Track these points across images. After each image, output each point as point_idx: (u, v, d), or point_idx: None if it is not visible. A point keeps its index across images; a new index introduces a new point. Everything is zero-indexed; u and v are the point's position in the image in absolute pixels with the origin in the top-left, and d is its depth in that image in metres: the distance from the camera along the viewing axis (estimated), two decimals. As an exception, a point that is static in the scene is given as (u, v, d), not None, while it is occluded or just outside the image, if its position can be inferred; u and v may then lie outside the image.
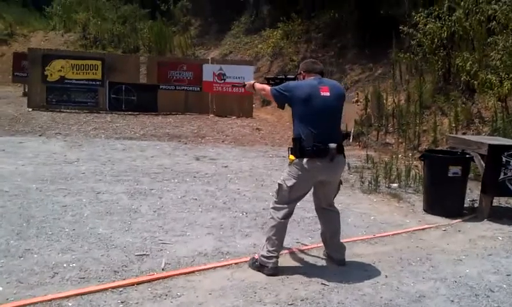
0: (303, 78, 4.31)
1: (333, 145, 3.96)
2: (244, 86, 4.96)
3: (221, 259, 4.33)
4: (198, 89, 14.95)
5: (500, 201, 6.63)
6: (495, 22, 8.93)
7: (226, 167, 8.22)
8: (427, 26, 10.28)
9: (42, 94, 14.65)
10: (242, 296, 3.64)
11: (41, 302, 3.41)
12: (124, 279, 3.82)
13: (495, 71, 8.79)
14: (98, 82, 14.93)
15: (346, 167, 8.13)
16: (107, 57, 15.84)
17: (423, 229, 5.50)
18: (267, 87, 4.47)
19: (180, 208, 5.79)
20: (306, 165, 3.98)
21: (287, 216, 4.14)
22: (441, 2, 10.53)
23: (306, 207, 5.44)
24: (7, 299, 3.42)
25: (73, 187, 6.42)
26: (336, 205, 6.14)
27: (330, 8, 16.86)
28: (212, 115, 14.55)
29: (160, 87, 14.99)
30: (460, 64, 9.45)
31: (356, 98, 12.22)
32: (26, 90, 16.30)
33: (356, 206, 6.28)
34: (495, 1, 9.04)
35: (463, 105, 9.69)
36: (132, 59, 16.51)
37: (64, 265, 4.03)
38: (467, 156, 6.12)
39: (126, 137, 10.82)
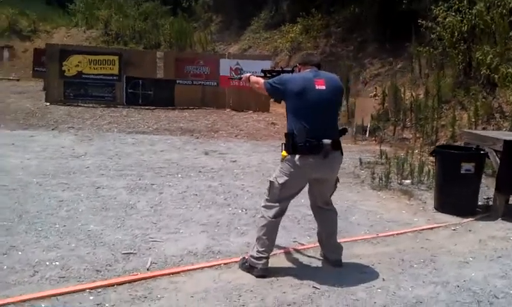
0: (299, 71, 4.09)
1: (327, 141, 3.72)
2: (240, 78, 4.75)
3: (210, 259, 4.14)
4: (215, 83, 14.78)
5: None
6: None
7: (234, 162, 8.03)
8: (447, 19, 9.91)
9: (60, 89, 14.66)
10: (225, 300, 3.44)
11: (14, 302, 3.28)
12: (105, 279, 3.67)
13: (516, 65, 8.41)
14: (115, 77, 14.88)
15: (358, 163, 7.96)
16: (124, 53, 15.80)
17: (431, 228, 5.21)
18: (261, 81, 4.24)
19: (179, 204, 5.62)
20: (298, 162, 3.76)
21: (279, 215, 3.92)
22: (461, -5, 10.16)
23: (309, 204, 5.18)
24: (-21, 299, 3.30)
25: (74, 182, 6.31)
26: (342, 202, 6.00)
27: (350, 3, 16.51)
28: (228, 109, 14.37)
29: (177, 82, 14.87)
30: (480, 58, 9.06)
31: (374, 93, 11.90)
32: (46, 85, 16.38)
33: (363, 203, 6.02)
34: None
35: (484, 100, 9.29)
36: (149, 54, 16.41)
37: (47, 263, 3.89)
38: (481, 152, 5.79)
39: (138, 132, 10.72)
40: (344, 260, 4.14)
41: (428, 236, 4.99)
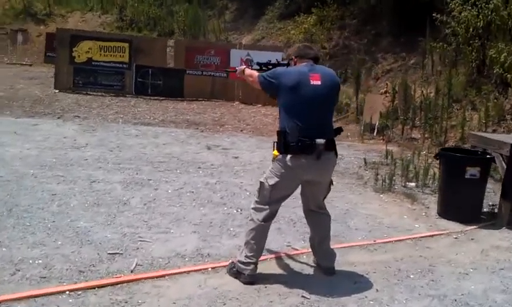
0: (295, 65, 3.89)
1: (320, 141, 3.54)
2: (235, 71, 4.57)
3: (198, 262, 4.01)
4: (225, 75, 14.60)
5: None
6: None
7: (236, 158, 7.88)
8: (462, 14, 9.61)
9: (69, 76, 14.58)
10: (207, 308, 3.31)
11: (-11, 303, 3.18)
12: (87, 281, 3.56)
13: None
14: (125, 65, 14.77)
15: (362, 163, 7.76)
16: (135, 40, 15.65)
17: (432, 235, 5.03)
18: (255, 74, 4.04)
19: (173, 201, 5.50)
20: (289, 163, 3.59)
21: (268, 218, 3.75)
22: (478, -11, 9.86)
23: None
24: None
25: (70, 174, 6.21)
26: (342, 204, 5.85)
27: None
28: (237, 102, 14.21)
29: (187, 72, 14.72)
30: (494, 55, 8.77)
31: (385, 89, 11.65)
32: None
33: (363, 207, 5.84)
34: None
35: (495, 100, 9.02)
36: (159, 42, 16.23)
37: (30, 262, 3.79)
38: (487, 156, 5.58)
39: (144, 123, 10.61)
40: (337, 268, 3.99)
41: (428, 244, 4.81)
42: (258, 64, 4.44)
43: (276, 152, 3.75)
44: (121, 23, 24.93)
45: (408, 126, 10.16)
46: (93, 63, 14.70)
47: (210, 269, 3.88)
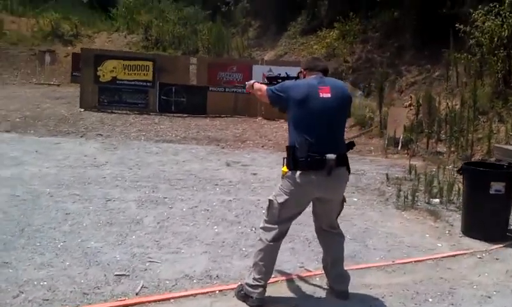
0: (304, 77, 3.76)
1: (331, 156, 3.38)
2: (244, 86, 4.46)
3: (206, 285, 3.88)
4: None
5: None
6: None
7: (254, 174, 7.76)
8: (486, 24, 9.35)
9: (94, 95, 14.77)
10: (211, 333, 3.18)
11: (-12, 327, 3.12)
12: (90, 304, 3.47)
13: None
14: (148, 83, 14.90)
15: (384, 179, 7.55)
16: (158, 58, 15.79)
17: (454, 255, 4.79)
18: (264, 88, 3.92)
19: (187, 220, 5.40)
20: (298, 179, 3.44)
21: (278, 238, 3.60)
22: (503, -1, 9.59)
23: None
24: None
25: (86, 193, 6.19)
26: (361, 222, 5.66)
27: (390, 6, 16.01)
28: (260, 118, 14.11)
29: (210, 89, 14.76)
30: (520, 65, 8.50)
31: (410, 102, 11.41)
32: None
33: (383, 225, 5.63)
34: None
35: (523, 112, 8.72)
36: (182, 60, 16.36)
37: (35, 283, 3.73)
38: (514, 171, 5.33)
39: (165, 140, 10.60)
40: (351, 290, 3.80)
41: (450, 264, 4.58)
42: (267, 78, 4.34)
43: (285, 168, 3.63)
44: (146, 43, 25.27)
45: (432, 139, 9.88)
46: (117, 82, 14.86)
47: (217, 292, 3.75)
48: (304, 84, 3.60)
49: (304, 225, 4.77)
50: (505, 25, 9.14)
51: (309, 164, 3.40)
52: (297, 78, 3.90)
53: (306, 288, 3.95)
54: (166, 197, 6.18)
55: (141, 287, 3.76)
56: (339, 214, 3.81)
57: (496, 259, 4.76)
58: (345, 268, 3.96)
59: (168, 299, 3.59)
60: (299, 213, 3.67)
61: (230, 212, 5.77)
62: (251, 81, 4.20)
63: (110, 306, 3.45)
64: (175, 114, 14.36)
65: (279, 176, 7.61)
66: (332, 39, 16.70)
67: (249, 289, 3.55)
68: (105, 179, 6.96)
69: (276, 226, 3.57)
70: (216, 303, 3.59)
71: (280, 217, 3.56)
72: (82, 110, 14.35)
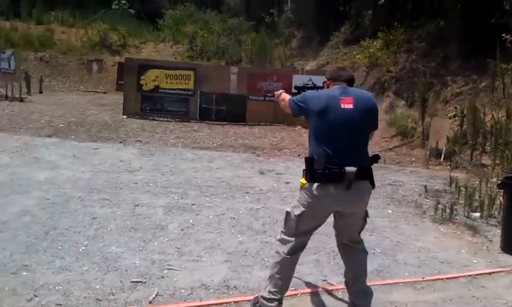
0: (327, 87, 3.61)
1: (350, 169, 3.21)
2: (273, 95, 4.33)
3: (222, 295, 3.76)
4: (286, 100, 14.41)
5: None
6: None
7: (287, 183, 7.59)
8: (533, 33, 8.90)
9: (137, 103, 15.03)
10: (220, 346, 3.05)
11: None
12: (101, 310, 3.40)
13: None
14: (190, 92, 15.08)
15: (423, 191, 7.25)
16: (199, 68, 15.94)
17: (490, 273, 4.49)
18: (287, 98, 3.80)
19: (212, 227, 5.30)
20: (315, 192, 3.28)
21: (295, 251, 3.44)
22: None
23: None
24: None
25: (115, 198, 6.19)
26: (394, 235, 5.42)
27: (436, 16, 15.58)
28: (299, 127, 13.93)
29: (249, 97, 14.78)
30: None
31: (454, 113, 10.99)
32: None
33: (417, 239, 5.36)
34: None
35: None
36: (222, 70, 16.45)
37: (50, 287, 3.71)
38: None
39: (202, 147, 10.58)
40: (374, 308, 3.60)
41: (485, 282, 4.29)
42: (295, 87, 4.20)
43: (303, 180, 3.47)
44: (191, 53, 25.66)
45: (477, 151, 9.45)
46: (159, 90, 15.09)
47: (232, 303, 3.63)
48: (325, 94, 3.46)
49: (330, 236, 4.48)
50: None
51: (327, 176, 3.25)
52: (321, 88, 3.76)
53: (327, 302, 3.78)
54: (194, 204, 6.11)
55: (156, 295, 3.67)
56: (362, 229, 3.59)
57: (537, 278, 4.44)
58: (371, 283, 3.77)
59: (181, 309, 3.49)
60: (318, 227, 3.50)
61: (256, 220, 5.64)
62: (279, 91, 4.07)
63: (121, 313, 3.37)
64: (214, 122, 14.42)
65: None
66: (375, 49, 16.33)
67: (265, 302, 3.40)
68: (137, 184, 6.96)
69: (293, 239, 3.42)
70: (230, 315, 3.46)
71: (298, 230, 3.41)
72: (125, 117, 14.60)
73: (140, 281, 3.89)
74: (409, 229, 5.70)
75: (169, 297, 3.67)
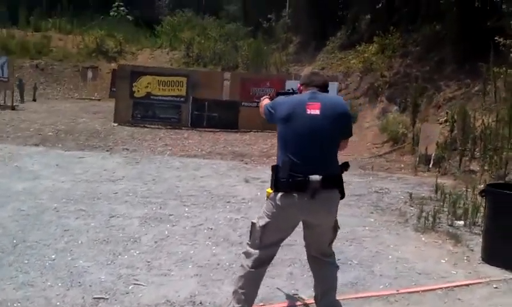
0: (301, 93, 3.49)
1: (315, 177, 3.07)
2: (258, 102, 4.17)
3: (186, 312, 3.64)
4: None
5: None
6: None
7: (271, 192, 7.46)
8: (527, 36, 8.78)
9: (128, 110, 14.93)
10: None
11: None
12: (56, 329, 3.28)
13: None
14: (182, 99, 15.00)
15: (407, 198, 7.12)
16: (192, 74, 15.86)
17: (467, 284, 4.36)
18: (263, 103, 3.68)
19: (187, 239, 5.18)
20: (279, 202, 3.17)
21: (260, 265, 3.31)
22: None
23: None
24: None
25: (92, 209, 6.07)
26: (373, 245, 5.30)
27: (432, 20, 15.47)
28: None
29: (242, 104, 14.69)
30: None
31: (445, 118, 10.87)
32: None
33: (396, 248, 5.23)
34: None
35: None
36: (215, 76, 16.37)
37: (8, 304, 3.58)
38: (541, 194, 4.84)
39: (190, 155, 10.48)
40: (344, 323, 3.47)
41: (461, 294, 4.16)
42: (278, 93, 4.05)
43: (269, 190, 3.35)
44: (187, 59, 25.56)
45: (466, 157, 9.32)
46: (151, 97, 14.99)
47: (196, 320, 3.50)
48: (293, 100, 3.35)
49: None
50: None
51: (290, 185, 3.12)
52: (294, 92, 3.63)
53: (294, 318, 3.64)
54: (171, 215, 5.98)
55: (116, 312, 3.55)
56: (332, 241, 3.45)
57: (515, 290, 4.31)
58: (343, 297, 3.68)
59: (140, 327, 3.36)
60: (283, 238, 3.38)
61: (234, 231, 5.51)
62: (264, 97, 3.92)
63: (76, 331, 3.25)
64: (206, 129, 14.33)
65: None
66: (370, 54, 16.24)
67: (228, 318, 3.28)
68: (117, 194, 6.85)
69: (257, 251, 3.29)
70: (191, 332, 3.33)
71: (262, 242, 3.28)
72: (116, 124, 14.50)
73: (102, 298, 3.76)
74: (390, 238, 5.57)
75: (131, 314, 3.55)
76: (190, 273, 4.33)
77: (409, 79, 14.03)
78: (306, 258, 4.52)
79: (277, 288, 4.08)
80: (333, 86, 13.86)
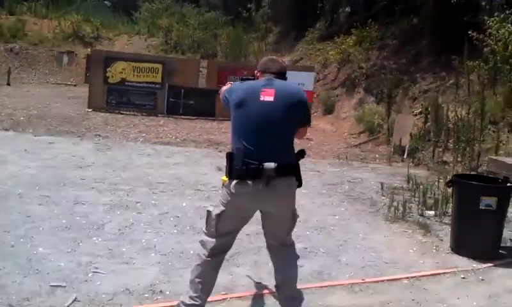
0: (257, 79, 3.41)
1: (269, 165, 2.99)
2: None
3: (145, 301, 3.54)
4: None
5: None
6: None
7: (243, 180, 7.38)
8: (500, 31, 8.82)
9: (103, 96, 14.66)
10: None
11: None
12: (8, 317, 3.16)
13: None
14: (157, 85, 14.76)
15: (379, 188, 7.11)
16: (168, 61, 15.65)
17: (434, 275, 4.34)
18: (222, 91, 3.59)
19: (152, 227, 5.08)
20: (233, 189, 3.08)
21: (216, 254, 3.22)
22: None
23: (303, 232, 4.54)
24: None
25: (57, 195, 5.91)
26: (342, 234, 5.25)
27: (409, 13, 15.53)
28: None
29: (219, 92, 14.47)
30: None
31: (420, 110, 10.91)
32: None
33: (366, 238, 5.21)
34: None
35: (535, 123, 8.15)
36: (192, 63, 16.17)
37: (-40, 293, 3.45)
38: (507, 185, 4.84)
39: (163, 142, 10.33)
40: (307, 312, 3.41)
41: (428, 284, 4.14)
42: (241, 79, 3.93)
43: (224, 178, 3.26)
44: (165, 47, 25.25)
45: (439, 148, 9.37)
46: (126, 83, 14.74)
47: (153, 310, 3.41)
48: (247, 86, 3.26)
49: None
50: (519, 33, 8.64)
51: (245, 173, 3.04)
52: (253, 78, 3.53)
53: (257, 307, 3.57)
54: (138, 202, 5.87)
55: (73, 300, 3.44)
56: (291, 230, 3.38)
57: (482, 280, 4.31)
58: (308, 286, 3.66)
59: (95, 315, 3.27)
60: (240, 227, 3.30)
61: (201, 219, 5.31)
62: (226, 84, 3.80)
63: (28, 320, 3.14)
64: (182, 117, 14.16)
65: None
66: (348, 46, 16.24)
67: (185, 309, 3.19)
68: (84, 181, 6.69)
69: (213, 240, 3.20)
70: (148, 322, 3.25)
71: (218, 231, 3.19)
72: (90, 110, 14.24)
73: (60, 285, 3.65)
74: (359, 227, 5.55)
75: (88, 302, 3.44)
76: (152, 261, 4.24)
77: (386, 71, 14.06)
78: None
79: (247, 276, 4.02)
80: (308, 76, 13.87)
